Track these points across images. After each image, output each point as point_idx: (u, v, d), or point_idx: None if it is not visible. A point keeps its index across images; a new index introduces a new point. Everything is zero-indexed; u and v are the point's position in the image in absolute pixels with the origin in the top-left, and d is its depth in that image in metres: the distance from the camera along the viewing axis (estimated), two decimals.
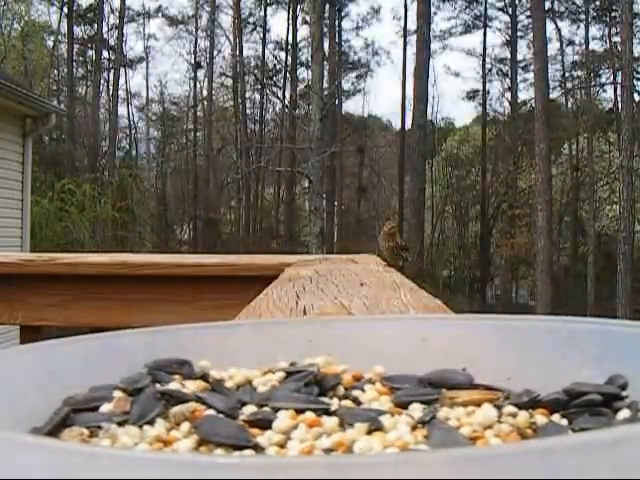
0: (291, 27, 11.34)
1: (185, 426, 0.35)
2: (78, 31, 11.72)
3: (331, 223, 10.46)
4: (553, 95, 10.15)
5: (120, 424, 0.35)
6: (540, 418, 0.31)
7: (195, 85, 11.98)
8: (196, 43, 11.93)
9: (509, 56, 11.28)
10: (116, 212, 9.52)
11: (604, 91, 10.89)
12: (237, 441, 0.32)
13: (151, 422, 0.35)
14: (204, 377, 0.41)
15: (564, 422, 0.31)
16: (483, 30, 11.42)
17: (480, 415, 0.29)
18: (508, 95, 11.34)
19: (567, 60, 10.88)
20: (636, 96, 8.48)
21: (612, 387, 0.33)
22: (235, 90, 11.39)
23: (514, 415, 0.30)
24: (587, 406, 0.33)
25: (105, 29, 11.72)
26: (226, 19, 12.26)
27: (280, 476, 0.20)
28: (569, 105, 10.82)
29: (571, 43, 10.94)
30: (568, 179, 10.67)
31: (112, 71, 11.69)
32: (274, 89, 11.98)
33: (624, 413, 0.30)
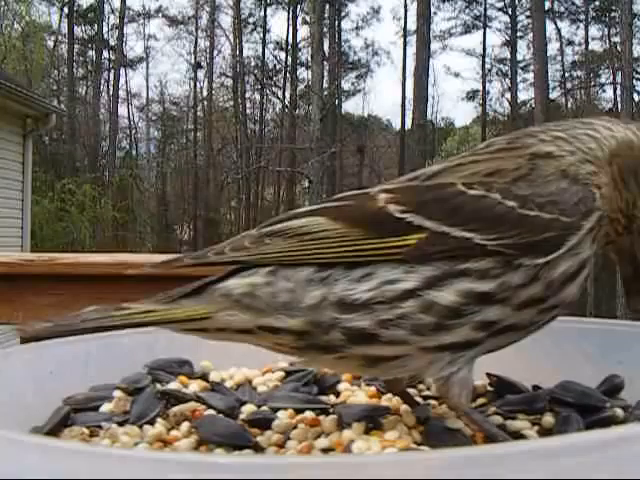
0: (291, 27, 11.34)
1: (185, 426, 0.35)
2: (78, 31, 11.73)
3: None
4: (553, 95, 10.18)
5: (120, 424, 0.35)
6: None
7: (195, 85, 11.98)
8: (196, 43, 11.92)
9: (509, 56, 11.28)
10: (116, 212, 9.56)
11: (604, 91, 10.91)
12: (237, 441, 0.33)
13: (151, 422, 0.35)
14: (204, 377, 0.41)
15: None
16: (483, 30, 11.43)
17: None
18: (508, 95, 11.34)
19: (567, 60, 10.90)
20: (635, 96, 8.50)
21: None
22: (235, 90, 11.37)
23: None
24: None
25: (105, 29, 11.74)
26: (226, 19, 12.32)
27: (282, 476, 0.20)
28: (569, 105, 10.86)
29: (571, 43, 10.95)
30: None
31: (112, 71, 11.68)
32: (274, 89, 11.98)
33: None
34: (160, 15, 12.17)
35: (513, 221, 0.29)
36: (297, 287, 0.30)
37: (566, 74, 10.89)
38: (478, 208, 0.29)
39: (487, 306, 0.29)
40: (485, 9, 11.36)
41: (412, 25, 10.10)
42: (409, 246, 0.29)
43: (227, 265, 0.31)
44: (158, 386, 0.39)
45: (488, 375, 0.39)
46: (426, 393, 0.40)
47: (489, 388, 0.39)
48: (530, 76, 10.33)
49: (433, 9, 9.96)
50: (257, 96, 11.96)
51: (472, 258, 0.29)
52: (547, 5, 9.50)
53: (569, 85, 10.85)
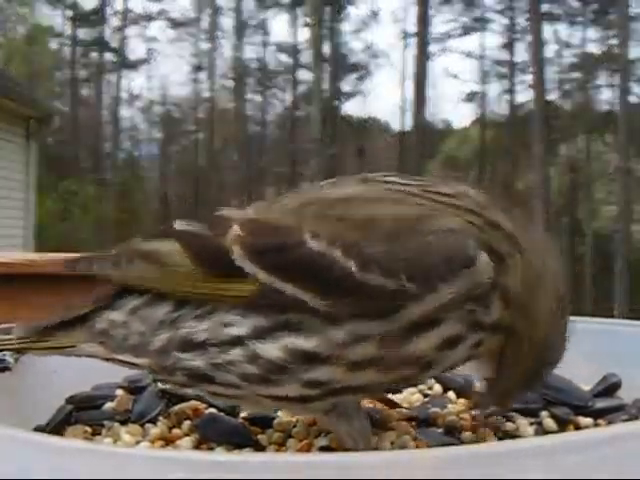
0: (292, 29, 11.37)
1: (186, 424, 0.35)
2: (81, 34, 11.77)
3: None
4: (551, 97, 10.14)
5: (122, 422, 0.35)
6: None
7: (196, 87, 12.00)
8: (197, 45, 11.96)
9: (507, 58, 11.27)
10: (119, 213, 9.61)
11: (601, 93, 10.85)
12: (237, 439, 0.32)
13: (153, 420, 0.36)
14: None
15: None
16: (481, 33, 11.41)
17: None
18: (506, 97, 11.32)
19: (564, 62, 10.87)
20: (633, 98, 8.47)
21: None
22: (236, 92, 11.40)
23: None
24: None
25: (108, 32, 11.79)
26: (227, 21, 12.34)
27: (282, 476, 0.20)
28: (567, 107, 10.78)
29: (568, 45, 10.93)
30: (566, 180, 10.54)
31: (115, 73, 11.73)
32: (275, 91, 11.99)
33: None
34: (162, 17, 12.24)
35: (348, 286, 0.26)
36: (147, 330, 0.29)
37: (564, 76, 10.87)
38: (314, 265, 0.27)
39: (314, 365, 0.27)
40: (483, 12, 11.37)
41: (411, 27, 10.15)
42: (244, 296, 0.27)
43: (102, 279, 0.32)
44: (160, 385, 0.39)
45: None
46: (428, 392, 0.40)
47: None
48: (528, 78, 10.34)
49: (432, 12, 10.00)
50: (258, 97, 11.99)
51: (298, 312, 0.27)
52: (545, 8, 9.50)
53: (567, 87, 10.83)
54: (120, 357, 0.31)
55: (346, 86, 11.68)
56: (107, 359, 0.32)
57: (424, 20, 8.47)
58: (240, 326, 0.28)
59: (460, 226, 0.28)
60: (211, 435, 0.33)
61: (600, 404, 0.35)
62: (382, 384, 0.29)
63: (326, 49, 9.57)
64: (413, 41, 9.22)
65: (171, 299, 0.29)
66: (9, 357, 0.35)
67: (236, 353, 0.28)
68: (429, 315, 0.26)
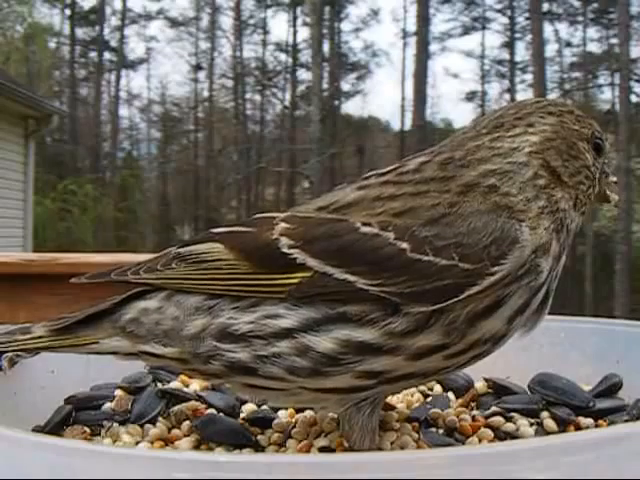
0: (291, 29, 11.38)
1: (186, 425, 0.35)
2: (80, 33, 11.78)
3: None
4: (551, 96, 10.17)
5: (121, 423, 0.35)
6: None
7: (196, 86, 12.01)
8: (197, 45, 11.96)
9: (508, 57, 11.28)
10: (117, 212, 9.64)
11: (602, 92, 10.91)
12: (237, 440, 0.33)
13: (152, 421, 0.36)
14: None
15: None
16: (482, 32, 11.43)
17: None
18: (507, 96, 11.35)
19: (565, 61, 10.90)
20: (633, 97, 8.52)
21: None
22: (235, 91, 11.40)
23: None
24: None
25: (107, 31, 11.79)
26: (226, 21, 12.38)
27: (281, 476, 0.20)
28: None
29: (569, 45, 10.95)
30: None
31: (114, 72, 11.73)
32: (274, 90, 12.00)
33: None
34: (161, 17, 12.22)
35: (401, 266, 0.26)
36: (182, 315, 0.29)
37: (564, 75, 10.91)
38: (366, 248, 0.27)
39: (371, 356, 0.26)
40: (484, 11, 11.38)
41: (411, 27, 10.18)
42: (292, 285, 0.27)
43: (139, 286, 0.31)
44: (159, 385, 0.39)
45: (485, 379, 0.39)
46: (428, 392, 0.40)
47: (488, 390, 0.39)
48: (528, 77, 10.37)
49: (432, 11, 10.01)
50: (257, 97, 12.00)
51: (353, 302, 0.26)
52: (545, 7, 9.52)
53: (567, 86, 10.87)
54: (146, 348, 0.30)
55: (346, 85, 11.70)
56: (130, 354, 0.31)
57: (424, 19, 8.47)
58: (289, 318, 0.27)
59: (490, 207, 0.28)
60: (211, 435, 0.33)
61: (601, 405, 0.35)
62: (447, 368, 0.28)
63: (326, 48, 9.61)
64: (413, 40, 9.26)
65: (202, 293, 0.29)
66: (4, 361, 0.34)
67: (284, 345, 0.27)
68: (491, 298, 0.26)
